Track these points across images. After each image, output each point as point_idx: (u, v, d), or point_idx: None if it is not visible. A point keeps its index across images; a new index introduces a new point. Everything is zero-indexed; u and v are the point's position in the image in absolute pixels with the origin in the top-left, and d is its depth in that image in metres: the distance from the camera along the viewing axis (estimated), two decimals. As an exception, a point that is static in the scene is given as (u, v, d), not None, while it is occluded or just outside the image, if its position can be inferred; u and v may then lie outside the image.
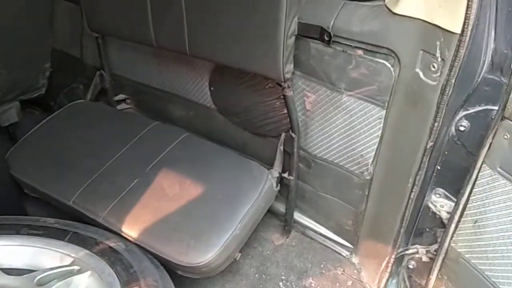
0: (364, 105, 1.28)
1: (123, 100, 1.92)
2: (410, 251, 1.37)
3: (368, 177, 1.37)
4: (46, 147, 1.61)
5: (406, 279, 1.44)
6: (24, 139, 1.66)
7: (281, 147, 1.49)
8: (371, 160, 1.34)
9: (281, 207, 1.66)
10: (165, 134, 1.63)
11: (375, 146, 1.31)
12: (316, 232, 1.64)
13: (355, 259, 1.57)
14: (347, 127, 1.35)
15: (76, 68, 1.99)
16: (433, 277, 1.27)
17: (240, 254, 1.39)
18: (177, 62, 1.68)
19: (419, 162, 1.20)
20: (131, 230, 1.31)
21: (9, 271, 1.12)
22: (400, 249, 1.38)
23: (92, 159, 1.52)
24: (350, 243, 1.57)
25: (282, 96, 1.38)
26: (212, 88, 1.62)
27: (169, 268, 1.25)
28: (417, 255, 1.36)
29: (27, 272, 1.15)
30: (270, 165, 1.51)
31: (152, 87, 1.80)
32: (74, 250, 1.19)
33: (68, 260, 1.17)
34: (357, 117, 1.31)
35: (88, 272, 1.12)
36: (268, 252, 1.60)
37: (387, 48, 1.17)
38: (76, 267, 1.14)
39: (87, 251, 1.19)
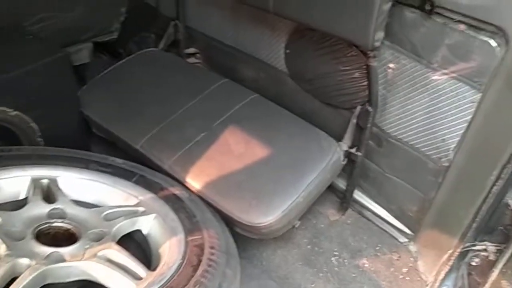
0: (457, 86, 1.18)
1: (193, 54, 1.90)
2: (478, 247, 1.29)
3: (446, 164, 1.29)
4: (117, 89, 1.62)
5: (465, 275, 1.37)
6: (95, 79, 1.68)
7: (354, 121, 1.42)
8: (453, 146, 1.25)
9: (340, 183, 1.60)
10: (234, 92, 1.61)
11: (461, 132, 1.22)
12: (374, 213, 1.58)
13: (412, 247, 1.50)
14: (432, 108, 1.26)
15: (150, 17, 1.98)
16: (494, 274, 1.20)
17: (299, 222, 1.36)
18: (255, 21, 1.63)
19: (509, 155, 1.10)
20: (195, 181, 1.30)
21: (79, 203, 1.14)
22: (467, 244, 1.31)
23: (161, 107, 1.53)
24: (411, 230, 1.50)
25: (364, 66, 1.31)
26: (287, 51, 1.56)
27: (228, 224, 1.24)
28: (483, 253, 1.29)
29: (94, 207, 1.17)
30: (336, 138, 1.45)
31: (225, 43, 1.77)
32: (140, 192, 1.20)
33: (134, 201, 1.18)
34: (446, 97, 1.22)
35: (153, 215, 1.13)
36: (322, 226, 1.57)
37: (496, 26, 1.06)
38: (141, 209, 1.15)
39: (153, 195, 1.19)
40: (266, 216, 1.22)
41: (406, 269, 1.45)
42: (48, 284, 0.89)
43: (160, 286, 0.87)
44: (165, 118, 1.49)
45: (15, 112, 1.30)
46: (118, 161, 1.31)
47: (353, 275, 1.43)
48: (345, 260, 1.47)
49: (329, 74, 1.46)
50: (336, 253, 1.49)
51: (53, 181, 1.15)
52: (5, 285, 0.82)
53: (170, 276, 0.91)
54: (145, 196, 1.19)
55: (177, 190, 1.24)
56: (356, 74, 1.38)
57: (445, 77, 1.20)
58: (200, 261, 0.97)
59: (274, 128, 1.46)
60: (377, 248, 1.51)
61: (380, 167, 1.49)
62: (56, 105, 1.46)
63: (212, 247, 1.03)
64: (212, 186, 1.29)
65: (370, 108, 1.36)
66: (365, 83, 1.34)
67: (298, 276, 1.41)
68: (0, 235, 0.90)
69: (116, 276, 0.90)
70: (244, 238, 1.32)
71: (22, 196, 1.11)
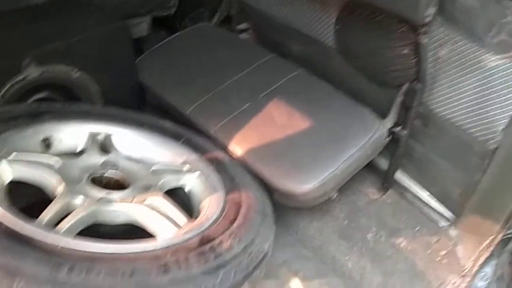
0: (510, 66, 1.14)
1: (245, 30, 1.94)
2: (522, 235, 1.25)
3: (493, 146, 1.25)
4: (171, 60, 1.70)
5: (506, 263, 1.33)
6: (152, 50, 1.77)
7: (400, 98, 1.41)
8: (501, 128, 1.21)
9: (382, 163, 1.59)
10: (280, 67, 1.64)
11: (511, 113, 1.18)
12: (416, 195, 1.56)
13: (453, 231, 1.47)
14: (482, 88, 1.23)
15: (205, -7, 2.05)
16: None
17: (336, 194, 1.38)
18: (306, -4, 1.64)
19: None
20: (237, 147, 1.36)
21: (129, 159, 1.23)
22: (510, 231, 1.27)
23: (211, 78, 1.59)
24: (452, 213, 1.47)
25: (414, 43, 1.29)
26: (337, 27, 1.57)
27: (266, 191, 1.28)
28: (527, 241, 1.24)
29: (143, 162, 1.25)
30: (381, 116, 1.44)
31: (275, 19, 1.79)
32: (187, 153, 1.27)
33: (180, 160, 1.25)
34: (498, 78, 1.19)
35: (197, 173, 1.20)
36: (361, 204, 1.57)
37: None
38: (186, 167, 1.22)
39: (197, 156, 1.26)
40: (303, 185, 1.26)
41: (444, 252, 1.43)
42: (97, 227, 0.98)
43: (198, 233, 0.93)
44: (214, 88, 1.55)
45: (78, 73, 1.41)
46: (168, 124, 1.39)
47: (389, 253, 1.43)
48: (382, 238, 1.47)
49: (378, 51, 1.45)
50: (373, 230, 1.49)
51: (108, 136, 1.25)
52: (60, 219, 0.92)
53: (208, 226, 0.97)
54: (190, 156, 1.26)
55: (220, 154, 1.30)
56: (406, 51, 1.37)
57: (499, 57, 1.16)
58: (236, 217, 1.03)
59: (318, 103, 1.48)
60: (416, 229, 1.50)
61: (424, 147, 1.47)
62: (116, 71, 1.57)
63: (249, 207, 1.08)
64: (253, 153, 1.34)
65: (418, 86, 1.34)
66: (414, 60, 1.32)
67: (332, 248, 1.43)
68: (60, 175, 1.00)
69: (159, 221, 0.97)
70: (281, 208, 1.36)
71: (80, 149, 1.22)
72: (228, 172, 1.22)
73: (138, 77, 1.65)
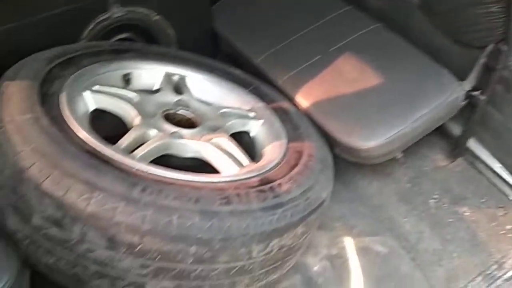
0: None
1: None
2: None
3: None
4: (246, 8, 1.72)
5: None
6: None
7: (483, 60, 1.31)
8: None
9: (454, 128, 1.52)
10: (356, 20, 1.58)
11: None
12: (487, 165, 1.48)
13: (523, 206, 1.39)
14: None
15: None
16: None
17: (402, 155, 1.35)
18: None
19: None
20: (303, 99, 1.36)
21: (200, 101, 1.29)
22: None
23: (284, 28, 1.58)
24: (525, 188, 1.38)
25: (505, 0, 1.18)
26: (421, -19, 1.47)
27: (329, 144, 1.28)
28: None
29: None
30: (460, 78, 1.36)
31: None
32: (253, 100, 1.30)
33: (247, 106, 1.28)
34: None
35: (262, 120, 1.23)
36: (426, 169, 1.52)
37: None
38: (252, 114, 1.25)
39: (264, 104, 1.29)
40: (367, 140, 1.24)
41: (510, 227, 1.36)
42: (167, 161, 1.05)
43: (259, 174, 0.97)
44: (286, 38, 1.54)
45: (157, 16, 1.47)
46: (238, 72, 1.42)
47: (450, 220, 1.39)
48: (445, 205, 1.43)
49: (464, 7, 1.35)
50: (436, 196, 1.45)
51: (182, 78, 1.31)
52: (134, 149, 0.99)
53: (269, 169, 1.01)
54: (257, 104, 1.29)
55: (285, 104, 1.31)
56: (494, 9, 1.26)
57: None
58: (297, 163, 1.05)
59: (393, 60, 1.43)
60: (482, 200, 1.44)
61: (503, 115, 1.37)
62: (192, 17, 1.61)
63: (310, 155, 1.10)
64: (319, 106, 1.34)
65: (504, 48, 1.24)
66: (503, 19, 1.22)
67: (391, 209, 1.42)
68: (137, 109, 1.08)
69: (224, 159, 1.03)
70: (342, 165, 1.36)
71: (156, 87, 1.29)
72: (292, 122, 1.23)
73: (213, 24, 1.69)
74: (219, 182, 0.90)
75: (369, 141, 1.24)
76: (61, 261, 0.81)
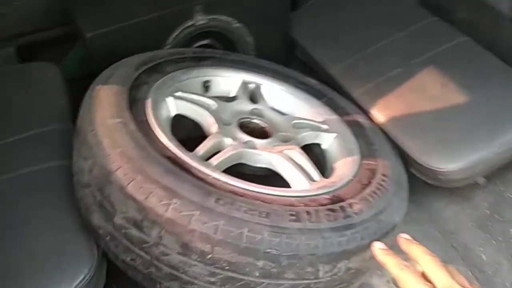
0: None
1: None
2: None
3: None
4: (324, 16, 1.70)
5: None
6: (307, 5, 1.78)
7: None
8: None
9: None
10: (442, 32, 1.51)
11: None
12: None
13: None
14: None
15: None
16: None
17: (484, 180, 1.26)
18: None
19: None
20: (380, 113, 1.32)
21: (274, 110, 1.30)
22: None
23: (363, 37, 1.55)
24: None
25: None
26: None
27: (404, 162, 1.24)
28: None
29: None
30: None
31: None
32: (327, 112, 1.29)
33: (320, 118, 1.27)
34: None
35: (335, 134, 1.21)
36: (509, 195, 1.41)
37: None
38: (325, 126, 1.24)
39: (337, 117, 1.27)
40: (447, 163, 1.18)
41: None
42: (240, 166, 1.08)
43: (330, 191, 0.96)
44: (364, 48, 1.51)
45: (238, 24, 1.51)
46: (313, 82, 1.41)
47: (534, 254, 1.28)
48: (529, 236, 1.31)
49: None
50: (519, 226, 1.34)
51: (258, 86, 1.33)
52: (209, 156, 1.03)
53: (340, 186, 0.99)
54: (331, 116, 1.27)
55: (360, 118, 1.28)
56: None
57: None
58: (370, 182, 1.02)
59: (479, 76, 1.34)
60: None
61: None
62: (271, 25, 1.63)
63: (384, 175, 1.06)
64: (396, 122, 1.29)
65: None
66: None
67: (467, 236, 1.34)
68: (215, 116, 1.11)
69: (295, 172, 1.03)
70: (417, 184, 1.30)
71: (232, 94, 1.32)
72: (366, 137, 1.20)
73: (290, 32, 1.69)
74: (289, 197, 0.91)
75: (449, 163, 1.18)
76: (137, 260, 0.86)
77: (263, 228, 0.81)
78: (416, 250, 0.60)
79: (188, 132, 1.16)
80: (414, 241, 0.63)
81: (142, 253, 0.84)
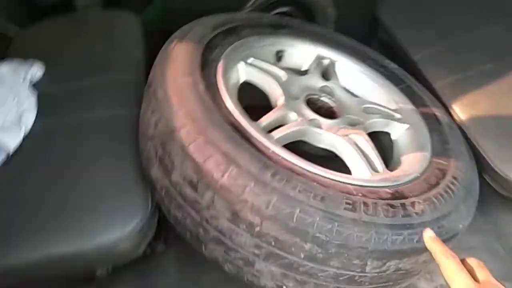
0: None
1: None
2: None
3: None
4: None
5: None
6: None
7: None
8: None
9: None
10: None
11: None
12: None
13: None
14: None
15: None
16: None
17: None
18: None
19: None
20: (461, 110, 1.22)
21: (346, 90, 1.24)
22: None
23: (453, 24, 1.43)
24: None
25: None
26: None
27: (479, 167, 1.14)
28: None
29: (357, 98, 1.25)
30: None
31: None
32: (403, 100, 1.21)
33: (394, 106, 1.20)
34: None
35: (407, 125, 1.14)
36: None
37: None
38: (398, 115, 1.17)
39: (413, 107, 1.18)
40: (527, 176, 1.07)
41: None
42: (301, 143, 1.05)
43: (392, 185, 0.91)
44: (455, 36, 1.38)
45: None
46: (392, 66, 1.33)
47: None
48: None
49: None
50: None
51: (332, 63, 1.27)
52: (272, 129, 1.00)
53: (404, 182, 0.93)
54: (406, 105, 1.19)
55: (438, 112, 1.19)
56: None
57: None
58: (438, 183, 0.95)
59: None
60: None
61: None
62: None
63: (454, 178, 0.98)
64: (478, 122, 1.18)
65: None
66: None
67: (534, 256, 1.23)
68: (283, 89, 1.08)
69: (358, 159, 0.98)
70: (487, 191, 1.19)
71: (304, 68, 1.28)
72: (442, 134, 1.11)
73: (376, 10, 1.59)
74: (348, 184, 0.87)
75: (530, 177, 1.07)
76: (187, 219, 0.87)
77: (316, 212, 0.78)
78: (437, 248, 0.69)
79: (253, 100, 1.14)
80: (439, 240, 0.72)
81: (193, 213, 0.86)
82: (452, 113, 1.23)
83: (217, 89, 0.97)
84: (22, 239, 0.91)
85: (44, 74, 1.27)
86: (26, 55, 1.31)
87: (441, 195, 0.92)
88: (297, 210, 0.78)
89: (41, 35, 1.45)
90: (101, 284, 1.08)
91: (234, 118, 0.91)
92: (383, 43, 1.61)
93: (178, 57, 0.99)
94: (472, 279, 0.62)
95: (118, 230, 0.92)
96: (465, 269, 0.63)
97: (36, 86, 1.23)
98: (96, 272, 0.98)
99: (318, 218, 0.78)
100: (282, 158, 0.87)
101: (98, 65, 1.31)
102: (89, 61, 1.32)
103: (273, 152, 0.87)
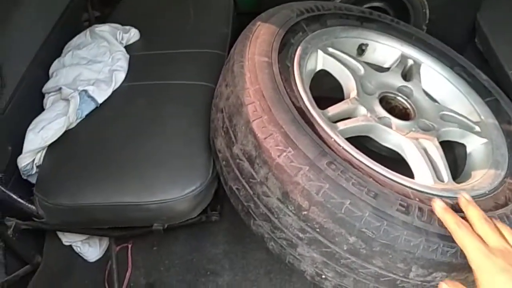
0: None
1: None
2: None
3: None
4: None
5: None
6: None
7: None
8: None
9: None
10: None
11: None
12: None
13: None
14: None
15: None
16: None
17: None
18: None
19: None
20: (552, 134, 1.11)
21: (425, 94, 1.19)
22: None
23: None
24: None
25: None
26: None
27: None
28: None
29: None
30: None
31: None
32: (486, 114, 1.13)
33: (475, 118, 1.13)
34: None
35: (486, 140, 1.07)
36: None
37: None
38: (477, 128, 1.10)
39: (496, 122, 1.11)
40: None
41: None
42: (366, 139, 1.03)
43: (454, 196, 0.86)
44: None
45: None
46: (482, 76, 1.24)
47: None
48: None
49: None
50: None
51: (417, 64, 1.22)
52: (339, 120, 1.00)
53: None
54: (488, 119, 1.12)
55: (527, 134, 1.10)
56: None
57: None
58: (506, 204, 0.89)
59: None
60: None
61: None
62: (457, 2, 1.45)
63: (528, 203, 0.91)
64: None
65: None
66: None
67: None
68: (357, 82, 1.07)
69: (423, 164, 0.94)
70: None
71: (387, 65, 1.25)
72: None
73: (477, 15, 1.49)
74: (406, 186, 0.84)
75: None
76: (241, 191, 0.91)
77: (366, 207, 0.77)
78: (472, 212, 0.70)
79: (328, 92, 1.14)
80: (474, 203, 0.73)
81: (247, 187, 0.89)
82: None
83: (292, 72, 0.99)
84: (95, 184, 1.02)
85: (138, 40, 1.38)
86: (126, 21, 1.43)
87: (507, 217, 0.86)
88: (347, 202, 0.78)
89: (142, 3, 1.57)
90: (156, 237, 1.17)
91: (302, 102, 0.93)
92: (478, 52, 1.51)
93: (259, 37, 1.03)
94: (485, 244, 0.65)
95: (177, 191, 0.99)
96: (476, 235, 0.66)
97: (131, 49, 1.34)
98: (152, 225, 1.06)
99: (367, 214, 0.77)
100: (342, 148, 0.87)
101: (187, 38, 1.39)
102: (181, 33, 1.41)
103: (334, 141, 0.87)
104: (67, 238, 1.28)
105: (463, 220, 0.70)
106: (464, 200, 0.75)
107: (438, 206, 0.75)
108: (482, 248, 0.63)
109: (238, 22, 1.50)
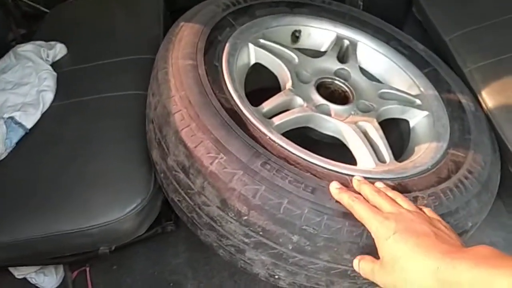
0: None
1: None
2: None
3: None
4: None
5: None
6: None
7: None
8: None
9: None
10: None
11: None
12: None
13: None
14: None
15: None
16: None
17: None
18: None
19: None
20: (490, 97, 1.12)
21: (363, 72, 1.17)
22: None
23: (491, 4, 1.29)
24: None
25: None
26: None
27: (504, 160, 1.05)
28: None
29: (375, 80, 1.19)
30: None
31: None
32: (426, 85, 1.13)
33: (415, 91, 1.12)
34: None
35: (426, 113, 1.06)
36: None
37: None
38: (418, 101, 1.09)
39: (436, 93, 1.10)
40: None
41: None
42: (307, 129, 1.01)
43: (396, 177, 0.86)
44: (496, 16, 1.26)
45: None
46: (419, 47, 1.24)
47: None
48: None
49: None
50: None
51: (353, 44, 1.20)
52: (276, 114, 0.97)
53: (410, 174, 0.88)
54: (428, 91, 1.11)
55: (464, 99, 1.10)
56: None
57: None
58: (449, 177, 0.89)
59: None
60: None
61: None
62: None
63: (469, 172, 0.91)
64: (508, 111, 1.08)
65: None
66: None
67: None
68: (292, 72, 1.04)
69: (363, 148, 0.93)
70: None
71: (323, 49, 1.22)
72: (464, 123, 1.03)
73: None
74: (346, 174, 0.83)
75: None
76: (183, 203, 0.88)
77: (304, 203, 0.75)
78: (365, 188, 0.74)
79: (268, 83, 1.11)
80: (365, 181, 0.77)
81: (187, 198, 0.86)
82: (480, 100, 1.13)
83: (220, 72, 0.96)
84: (31, 216, 0.96)
85: (66, 55, 1.31)
86: (51, 36, 1.35)
87: (450, 190, 0.86)
88: (285, 201, 0.76)
89: (67, 14, 1.49)
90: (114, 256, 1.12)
91: (232, 102, 0.90)
92: (417, 21, 1.50)
93: (183, 39, 0.98)
94: (381, 212, 0.68)
95: (117, 212, 0.95)
96: (372, 206, 0.70)
97: (58, 66, 1.28)
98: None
99: (306, 210, 0.75)
100: (278, 145, 0.84)
101: (117, 45, 1.33)
102: (110, 42, 1.35)
103: (269, 139, 0.85)
104: (19, 272, 1.22)
105: (357, 195, 0.73)
106: (357, 182, 0.78)
107: (333, 188, 0.76)
108: (377, 216, 0.67)
109: (172, 20, 1.44)
